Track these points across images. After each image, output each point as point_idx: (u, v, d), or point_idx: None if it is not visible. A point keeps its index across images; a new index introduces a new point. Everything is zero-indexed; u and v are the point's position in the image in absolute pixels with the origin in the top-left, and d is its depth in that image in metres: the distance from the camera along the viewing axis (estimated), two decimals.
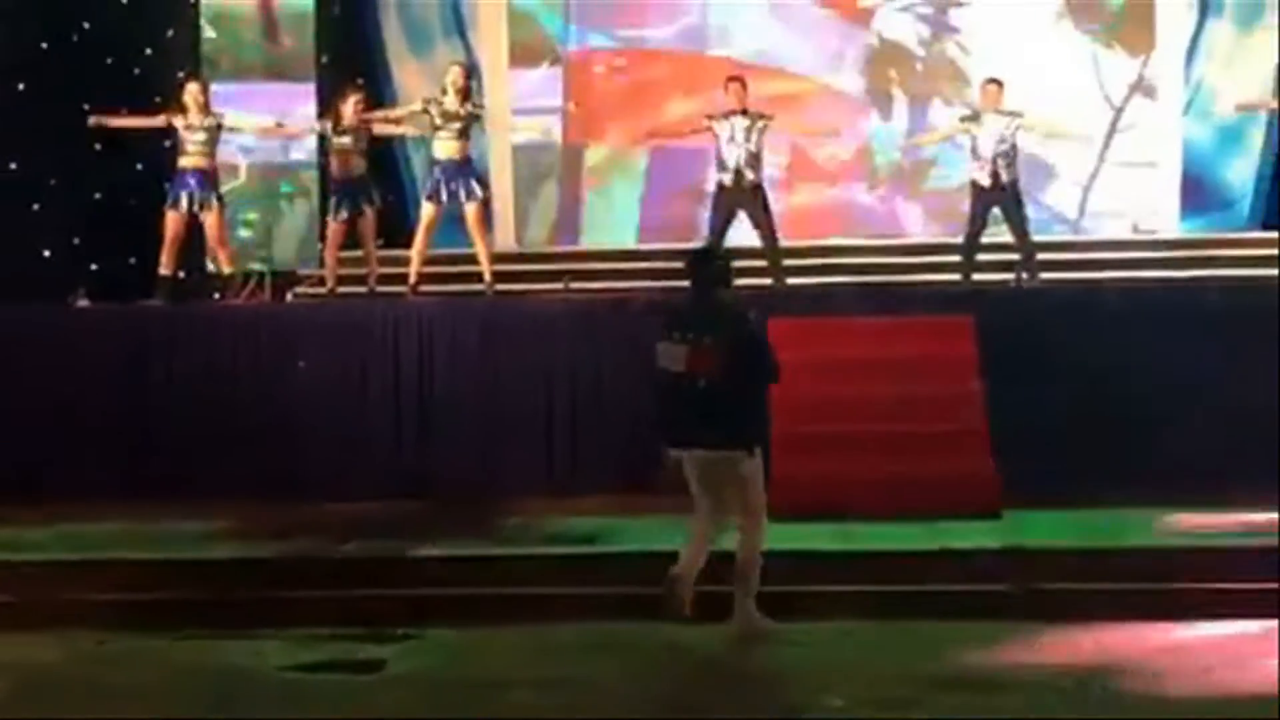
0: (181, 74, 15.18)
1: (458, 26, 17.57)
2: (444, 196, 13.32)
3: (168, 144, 13.98)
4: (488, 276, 13.41)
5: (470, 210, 13.39)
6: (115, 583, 9.49)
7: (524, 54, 17.48)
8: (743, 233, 13.70)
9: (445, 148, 13.33)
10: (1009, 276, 13.63)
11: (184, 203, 13.37)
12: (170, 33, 16.27)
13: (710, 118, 13.72)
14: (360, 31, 17.39)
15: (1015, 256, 13.68)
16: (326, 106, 15.01)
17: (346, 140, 13.61)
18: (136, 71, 16.06)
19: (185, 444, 11.82)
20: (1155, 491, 10.52)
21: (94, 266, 15.41)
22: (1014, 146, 13.56)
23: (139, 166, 15.14)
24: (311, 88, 16.25)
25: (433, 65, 16.91)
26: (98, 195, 15.70)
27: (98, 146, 15.47)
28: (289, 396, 11.90)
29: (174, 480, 11.62)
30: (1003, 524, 10.12)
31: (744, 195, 13.49)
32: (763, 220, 13.52)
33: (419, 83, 16.83)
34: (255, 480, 11.52)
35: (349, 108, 13.67)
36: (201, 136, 13.41)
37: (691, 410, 8.33)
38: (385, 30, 17.53)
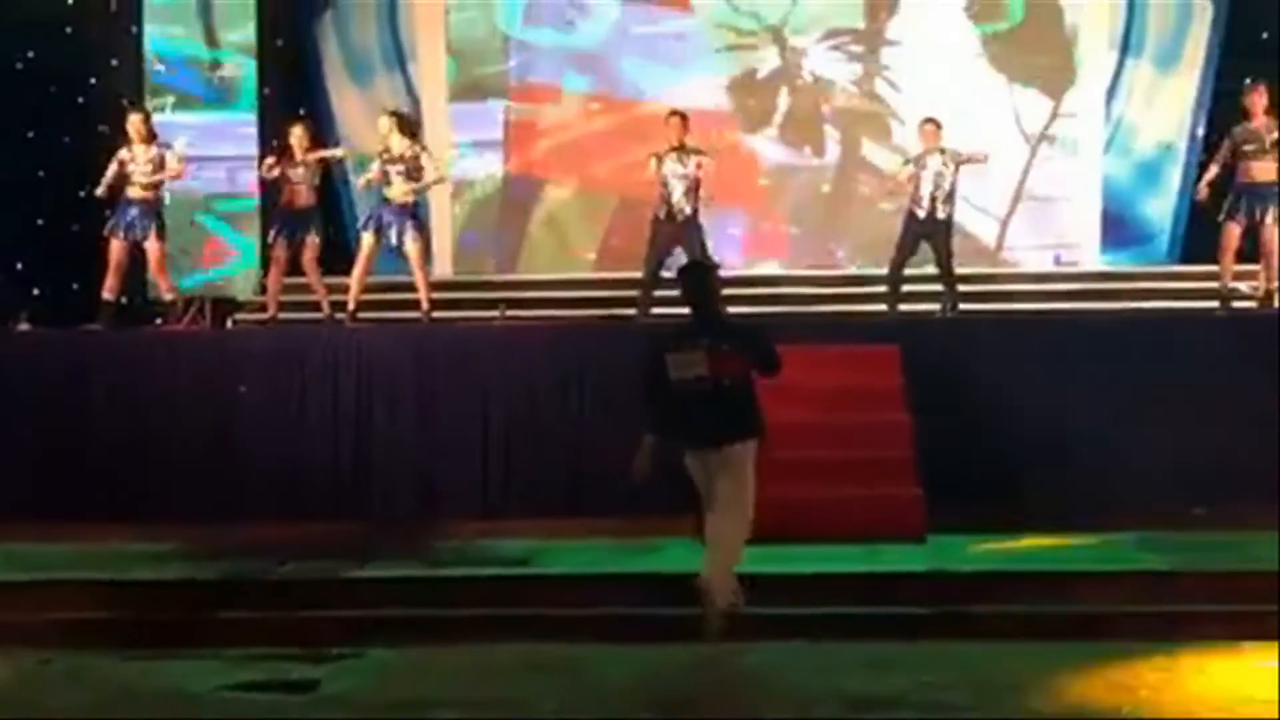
0: (126, 102, 15.17)
1: (398, 59, 17.58)
2: (382, 229, 13.29)
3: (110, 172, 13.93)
4: (425, 305, 13.41)
5: (413, 251, 13.33)
6: (59, 602, 9.43)
7: (464, 89, 17.56)
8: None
9: (394, 190, 13.28)
10: (934, 307, 13.74)
11: (123, 230, 13.33)
12: (114, 62, 16.24)
13: (655, 155, 13.77)
14: (302, 63, 17.37)
15: (940, 288, 13.82)
16: (269, 140, 15.04)
17: (298, 171, 13.67)
18: (80, 100, 16.06)
19: (127, 466, 11.74)
20: (1077, 517, 10.64)
21: (37, 291, 15.38)
22: (953, 184, 13.69)
23: (81, 194, 15.07)
24: (254, 116, 16.24)
25: (373, 96, 16.99)
26: (41, 221, 15.68)
27: (41, 174, 15.47)
28: (230, 420, 11.84)
29: (116, 502, 11.54)
30: (928, 548, 10.18)
31: (677, 228, 13.54)
32: (697, 251, 13.56)
33: (360, 113, 16.90)
34: (197, 502, 11.47)
35: (296, 140, 13.73)
36: (145, 167, 13.38)
37: (713, 410, 8.63)
38: (326, 62, 17.52)
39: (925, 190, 13.67)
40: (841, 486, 10.59)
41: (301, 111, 15.28)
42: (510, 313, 14.38)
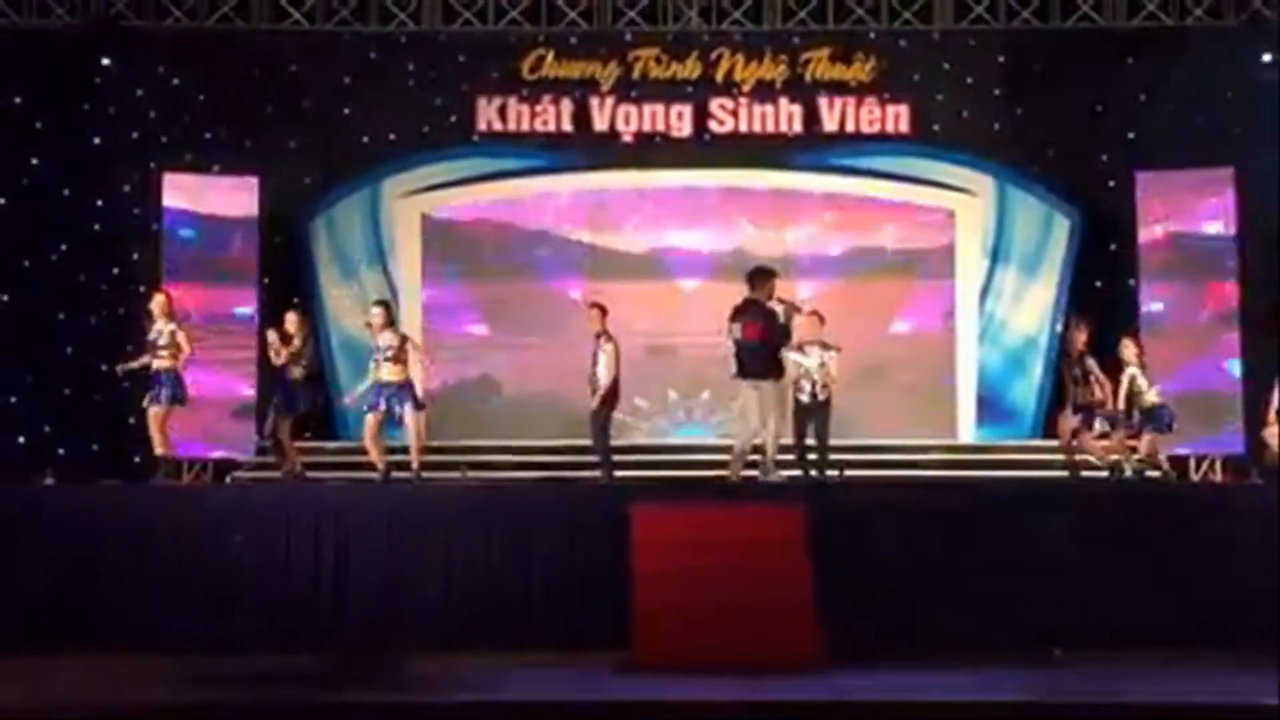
0: (143, 288, 15.26)
1: (379, 257, 17.73)
2: (382, 408, 13.30)
3: (129, 347, 13.97)
4: (415, 465, 13.33)
5: (411, 423, 13.37)
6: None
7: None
8: None
9: (386, 372, 13.35)
10: (833, 473, 13.80)
11: (149, 398, 13.31)
12: (135, 255, 16.33)
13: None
14: (296, 258, 17.47)
15: (842, 456, 13.93)
16: (266, 321, 15.12)
17: (293, 350, 13.85)
18: (105, 287, 16.15)
19: (128, 600, 11.51)
20: (951, 653, 10.67)
21: (61, 451, 15.34)
22: (830, 371, 13.71)
23: (103, 368, 15.09)
24: (254, 293, 16.31)
25: (356, 285, 17.15)
26: (67, 390, 15.68)
27: (69, 350, 15.49)
28: (224, 563, 11.66)
29: (118, 632, 11.31)
30: (823, 679, 10.10)
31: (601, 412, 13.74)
32: (599, 437, 13.77)
33: (343, 301, 17.07)
34: (190, 633, 11.25)
35: (292, 323, 13.94)
36: (165, 339, 13.37)
37: (744, 356, 12.48)
38: (317, 258, 17.65)
39: (806, 377, 13.69)
40: (752, 623, 10.50)
41: (299, 302, 15.27)
42: (471, 473, 14.39)
